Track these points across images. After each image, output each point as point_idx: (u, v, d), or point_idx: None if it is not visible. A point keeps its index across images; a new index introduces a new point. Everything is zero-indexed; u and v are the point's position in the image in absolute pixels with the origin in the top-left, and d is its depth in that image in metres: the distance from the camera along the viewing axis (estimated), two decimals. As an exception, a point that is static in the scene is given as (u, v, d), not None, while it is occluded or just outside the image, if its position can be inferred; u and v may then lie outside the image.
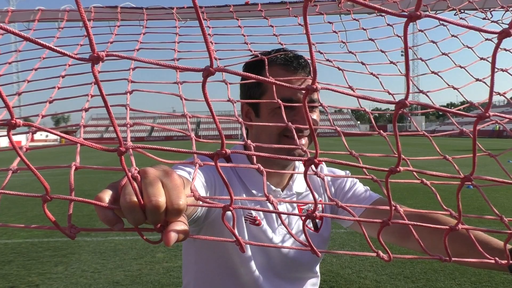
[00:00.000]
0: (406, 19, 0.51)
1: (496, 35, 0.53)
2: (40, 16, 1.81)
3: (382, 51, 1.59)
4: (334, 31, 1.72)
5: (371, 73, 1.47)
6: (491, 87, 0.58)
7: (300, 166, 1.53)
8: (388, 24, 1.78)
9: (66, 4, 1.80)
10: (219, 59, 1.38)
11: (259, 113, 1.39)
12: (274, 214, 1.41)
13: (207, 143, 0.92)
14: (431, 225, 0.73)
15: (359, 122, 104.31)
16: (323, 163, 1.57)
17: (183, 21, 1.77)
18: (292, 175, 1.49)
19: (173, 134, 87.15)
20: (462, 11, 2.01)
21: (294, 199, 1.47)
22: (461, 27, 0.59)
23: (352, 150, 1.04)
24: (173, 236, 0.59)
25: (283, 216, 1.43)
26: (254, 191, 1.39)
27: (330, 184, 1.58)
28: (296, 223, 1.45)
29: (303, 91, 1.24)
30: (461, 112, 0.61)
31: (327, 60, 1.47)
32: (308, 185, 0.66)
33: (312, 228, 1.49)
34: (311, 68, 1.36)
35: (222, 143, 0.57)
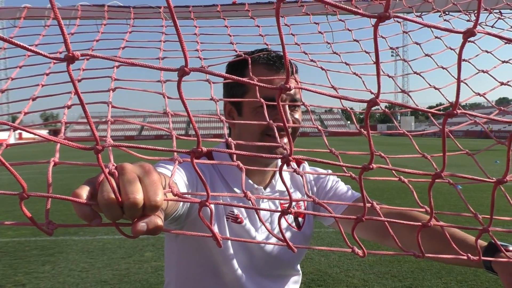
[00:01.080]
0: (377, 19, 0.53)
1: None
2: (26, 13, 1.80)
3: (366, 52, 1.61)
4: (320, 32, 1.74)
5: (354, 73, 1.49)
6: (458, 85, 0.60)
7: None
8: (373, 26, 1.80)
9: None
10: (204, 58, 1.39)
11: (242, 112, 1.41)
12: (255, 213, 1.43)
13: (195, 141, 0.93)
14: (403, 221, 0.75)
15: (349, 122, 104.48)
16: (306, 162, 1.59)
17: (170, 20, 1.78)
18: (274, 173, 1.51)
19: (163, 133, 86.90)
20: (447, 13, 2.04)
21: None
22: (428, 27, 0.61)
23: (332, 148, 1.06)
24: (140, 226, 0.59)
25: (266, 215, 1.44)
26: (236, 189, 1.41)
27: (312, 183, 1.60)
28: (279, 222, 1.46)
29: (287, 90, 1.25)
30: (431, 110, 0.63)
31: (311, 60, 1.49)
32: (282, 181, 0.68)
33: (295, 226, 1.51)
34: (285, 68, 1.38)
35: (198, 141, 0.59)
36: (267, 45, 1.56)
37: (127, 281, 5.24)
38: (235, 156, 0.87)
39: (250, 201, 0.72)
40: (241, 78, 0.58)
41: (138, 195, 0.59)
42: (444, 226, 0.80)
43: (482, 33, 0.57)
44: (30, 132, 0.59)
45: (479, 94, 1.43)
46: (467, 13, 2.04)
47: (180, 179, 1.19)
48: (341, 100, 1.34)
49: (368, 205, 0.84)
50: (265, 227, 0.75)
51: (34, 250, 6.57)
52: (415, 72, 1.69)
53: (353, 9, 0.54)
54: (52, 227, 0.61)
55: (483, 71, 1.54)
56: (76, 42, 1.51)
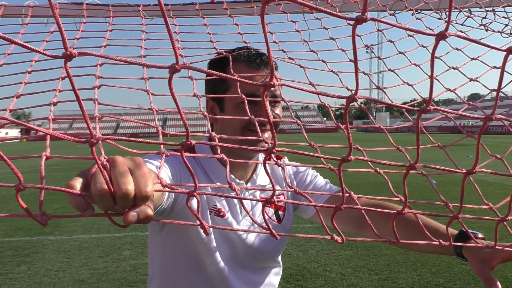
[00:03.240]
0: (354, 22, 0.57)
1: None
2: (3, 11, 1.79)
3: (342, 50, 1.66)
4: (297, 30, 1.78)
5: (331, 71, 1.54)
6: (431, 83, 0.64)
7: (263, 159, 1.59)
8: (349, 24, 1.85)
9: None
10: (185, 56, 1.42)
11: (224, 108, 1.44)
12: (238, 206, 1.46)
13: (173, 139, 0.96)
14: (380, 210, 0.79)
15: (325, 118, 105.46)
16: (285, 157, 1.63)
17: (149, 19, 1.80)
18: (255, 168, 1.55)
19: (139, 131, 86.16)
20: (419, 11, 2.11)
21: (258, 192, 1.53)
22: (404, 29, 0.65)
23: (311, 141, 1.10)
24: (131, 216, 0.63)
25: (248, 208, 1.48)
26: (218, 183, 1.44)
27: (292, 177, 1.64)
28: (260, 215, 1.50)
29: (271, 87, 1.29)
30: (406, 106, 0.67)
31: (290, 58, 1.53)
32: (267, 173, 0.71)
33: (275, 220, 1.55)
34: (270, 66, 1.41)
35: (187, 134, 0.62)
36: (246, 43, 1.59)
37: (105, 280, 5.21)
38: (219, 149, 0.90)
39: (235, 192, 0.75)
40: (226, 75, 0.62)
41: (130, 186, 0.62)
42: (418, 213, 0.85)
43: (453, 35, 0.61)
44: (28, 127, 0.62)
45: (450, 89, 1.50)
46: (438, 12, 2.11)
47: (164, 174, 1.22)
48: (319, 96, 1.39)
49: (346, 194, 0.89)
50: (249, 215, 0.78)
51: (8, 250, 6.47)
52: (389, 69, 1.74)
53: (333, 12, 0.58)
54: (46, 218, 0.63)
55: (453, 68, 1.61)
56: (55, 41, 1.51)
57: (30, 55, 1.44)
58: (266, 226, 0.74)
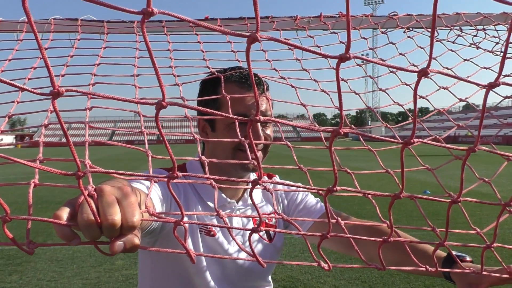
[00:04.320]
0: (338, 60, 0.58)
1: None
2: (-2, 26, 1.80)
3: (334, 68, 1.68)
4: (290, 48, 1.80)
5: (323, 90, 1.55)
6: (414, 119, 0.65)
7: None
8: (341, 42, 1.87)
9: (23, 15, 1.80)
10: (178, 75, 1.43)
11: (215, 128, 1.45)
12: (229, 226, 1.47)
13: (171, 147, 0.97)
14: (366, 238, 0.80)
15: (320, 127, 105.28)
16: (277, 176, 1.64)
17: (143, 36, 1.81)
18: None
19: (134, 138, 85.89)
20: (411, 29, 2.13)
21: (249, 211, 1.53)
22: (386, 66, 0.66)
23: (300, 164, 1.11)
24: (117, 246, 0.64)
25: (238, 226, 1.48)
26: (209, 203, 1.44)
27: (283, 196, 1.65)
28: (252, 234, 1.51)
29: (257, 122, 1.30)
30: (389, 140, 0.69)
31: (282, 77, 1.54)
32: (253, 203, 0.72)
33: (266, 239, 1.55)
34: (261, 89, 1.43)
35: (174, 167, 0.63)
36: (238, 61, 1.60)
37: (98, 290, 5.19)
38: (207, 172, 0.91)
39: (222, 219, 0.76)
40: (213, 96, 0.63)
41: (116, 217, 0.63)
42: (405, 241, 0.86)
43: (434, 72, 0.63)
44: (19, 162, 0.62)
45: (439, 110, 1.51)
46: (430, 30, 2.14)
47: (155, 195, 1.22)
48: (309, 114, 1.40)
49: (333, 221, 0.90)
50: (237, 243, 0.79)
51: (0, 259, 6.42)
52: (380, 89, 1.77)
53: (316, 51, 0.59)
54: (32, 246, 0.64)
55: (443, 88, 1.63)
56: (50, 58, 1.52)
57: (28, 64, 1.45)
58: (256, 249, 0.75)
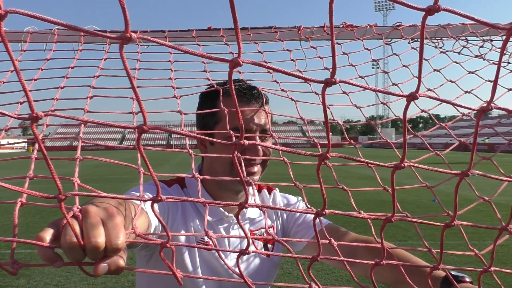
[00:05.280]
0: (323, 84, 0.57)
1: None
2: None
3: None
4: (292, 60, 1.79)
5: (328, 107, 1.54)
6: (404, 145, 0.64)
7: (254, 193, 1.59)
8: (344, 53, 1.86)
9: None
10: (177, 88, 1.42)
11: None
12: (226, 240, 1.46)
13: (179, 153, 0.97)
14: (358, 260, 0.79)
15: (331, 134, 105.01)
16: (277, 189, 1.62)
17: (145, 46, 1.81)
18: (245, 201, 1.53)
19: (144, 143, 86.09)
20: (415, 40, 2.11)
21: (247, 225, 1.52)
22: (374, 91, 0.65)
23: (296, 182, 1.10)
24: (101, 268, 0.63)
25: (236, 241, 1.47)
26: (208, 217, 1.43)
27: (287, 208, 1.63)
28: (250, 248, 1.49)
29: (255, 120, 1.28)
30: (381, 164, 0.67)
31: (282, 90, 1.53)
32: (240, 226, 0.71)
33: (264, 254, 1.54)
34: (259, 103, 1.42)
35: (157, 190, 0.62)
36: (240, 73, 1.60)
37: (104, 296, 5.20)
38: (199, 192, 0.90)
39: (211, 240, 0.75)
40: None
41: (100, 239, 0.62)
42: (400, 264, 0.84)
43: (423, 96, 0.61)
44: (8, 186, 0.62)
45: (441, 124, 1.49)
46: (435, 41, 2.12)
47: (150, 209, 1.22)
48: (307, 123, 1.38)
49: (325, 241, 0.89)
50: (226, 265, 0.78)
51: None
52: (393, 84, 1.76)
53: (301, 75, 0.58)
54: (17, 266, 0.64)
55: (446, 102, 1.60)
56: (52, 69, 1.52)
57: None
58: (253, 264, 0.73)
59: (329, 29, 2.01)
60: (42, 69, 1.52)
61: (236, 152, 1.12)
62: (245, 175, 1.04)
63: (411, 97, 0.59)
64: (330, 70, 0.55)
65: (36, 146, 1.01)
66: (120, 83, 1.42)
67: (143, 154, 0.59)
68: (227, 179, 0.99)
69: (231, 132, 1.18)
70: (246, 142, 0.60)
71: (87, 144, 1.13)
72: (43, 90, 1.39)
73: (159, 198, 0.61)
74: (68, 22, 0.50)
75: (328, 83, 0.56)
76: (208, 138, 0.62)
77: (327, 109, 1.53)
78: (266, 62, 1.76)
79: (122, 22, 0.52)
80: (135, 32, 1.87)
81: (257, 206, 0.70)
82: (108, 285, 5.54)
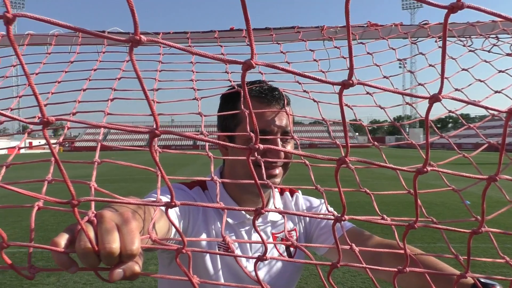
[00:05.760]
0: (340, 86, 0.55)
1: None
2: (29, 40, 1.84)
3: (360, 83, 1.63)
4: (315, 60, 1.76)
5: (346, 104, 1.51)
6: (427, 140, 0.61)
7: (276, 195, 1.57)
8: (368, 53, 1.82)
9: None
10: (198, 89, 1.42)
11: (234, 142, 1.43)
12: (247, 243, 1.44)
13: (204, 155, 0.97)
14: (380, 268, 0.76)
15: (357, 133, 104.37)
16: (299, 191, 1.60)
17: (168, 48, 1.81)
18: (267, 203, 1.52)
19: (171, 143, 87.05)
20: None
21: (269, 228, 1.50)
22: (394, 92, 0.63)
23: (318, 185, 1.08)
24: (116, 274, 0.62)
25: (257, 244, 1.46)
26: (229, 220, 1.42)
27: (305, 212, 1.61)
28: (271, 252, 1.48)
29: (276, 122, 1.26)
30: (401, 169, 0.65)
31: (304, 91, 1.51)
32: (257, 232, 0.69)
33: (286, 256, 1.52)
34: (282, 104, 1.40)
35: (172, 196, 0.61)
36: (261, 73, 1.58)
37: (131, 295, 5.26)
38: (217, 189, 0.89)
39: (230, 244, 0.73)
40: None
41: (114, 245, 0.61)
42: (425, 272, 0.81)
43: (447, 97, 0.59)
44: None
45: (469, 126, 1.45)
46: (463, 39, 2.05)
47: (172, 211, 1.21)
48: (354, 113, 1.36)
49: (346, 247, 0.86)
50: (243, 270, 0.76)
51: (40, 261, 6.60)
52: (419, 84, 1.72)
53: (318, 78, 0.56)
54: (33, 271, 0.63)
55: (474, 103, 1.55)
56: (75, 71, 1.54)
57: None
58: (275, 267, 0.71)
59: (353, 28, 1.99)
60: (66, 72, 1.54)
61: (256, 155, 1.11)
62: (265, 177, 1.02)
63: (434, 99, 0.57)
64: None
65: (57, 148, 1.01)
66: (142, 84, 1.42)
67: (155, 158, 0.58)
68: (245, 182, 0.97)
69: (251, 134, 1.17)
70: (261, 146, 0.58)
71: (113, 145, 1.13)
72: (67, 92, 1.40)
73: (173, 203, 0.60)
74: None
75: (345, 84, 0.54)
76: (221, 142, 0.60)
77: (350, 109, 1.50)
78: (288, 63, 1.74)
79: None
80: (158, 33, 1.88)
81: (275, 211, 0.68)
82: (135, 284, 5.60)
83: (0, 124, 1.26)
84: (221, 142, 0.62)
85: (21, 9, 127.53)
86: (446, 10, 0.55)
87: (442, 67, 0.58)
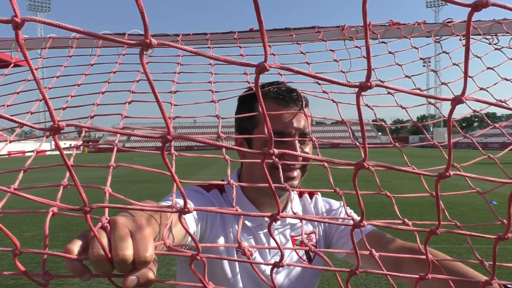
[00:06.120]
0: (358, 89, 0.53)
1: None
2: (51, 43, 1.87)
3: (381, 81, 1.60)
4: (335, 60, 1.74)
5: (366, 105, 1.48)
6: (449, 144, 0.59)
7: (294, 197, 1.55)
8: (390, 52, 1.79)
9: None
10: (216, 91, 1.41)
11: (252, 144, 1.42)
12: (266, 245, 1.43)
13: (227, 153, 0.97)
14: (400, 274, 0.74)
15: (380, 133, 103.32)
16: (319, 193, 1.58)
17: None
18: (285, 206, 1.50)
19: (194, 144, 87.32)
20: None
21: (288, 231, 1.48)
22: (409, 94, 0.60)
23: (336, 188, 1.06)
24: (130, 281, 0.61)
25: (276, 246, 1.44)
26: (247, 222, 1.41)
27: (324, 215, 1.58)
28: (290, 255, 1.46)
29: (294, 124, 1.25)
30: (424, 173, 0.62)
31: (324, 91, 1.49)
32: (273, 238, 0.68)
33: (306, 260, 1.50)
34: (300, 105, 1.38)
35: (185, 202, 0.60)
36: (280, 75, 1.56)
37: (153, 295, 5.29)
38: (234, 193, 0.87)
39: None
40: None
41: (128, 252, 0.60)
42: (448, 279, 0.78)
43: (470, 99, 0.56)
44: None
45: (495, 126, 1.40)
46: (488, 37, 2.00)
47: (189, 215, 1.21)
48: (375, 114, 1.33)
49: (366, 252, 0.84)
50: (260, 276, 0.75)
51: (64, 261, 6.71)
52: (442, 83, 1.69)
53: (334, 80, 0.54)
54: (47, 278, 0.63)
55: (498, 104, 1.51)
56: (93, 74, 1.55)
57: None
58: (294, 271, 0.70)
59: (375, 27, 1.95)
60: (86, 74, 1.55)
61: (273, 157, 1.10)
62: (282, 180, 1.01)
63: (456, 101, 0.54)
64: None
65: (73, 154, 1.01)
66: (160, 87, 1.42)
67: (167, 164, 0.57)
68: (261, 185, 0.96)
69: (268, 135, 1.15)
70: (276, 150, 0.57)
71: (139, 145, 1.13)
72: (87, 95, 1.41)
73: (186, 210, 0.59)
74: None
75: (362, 87, 0.52)
76: (235, 147, 0.59)
77: (371, 110, 1.47)
78: (308, 63, 1.72)
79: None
80: (177, 35, 1.88)
81: (291, 217, 0.67)
82: (159, 284, 5.57)
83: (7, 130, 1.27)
84: (236, 148, 0.61)
85: (47, 12, 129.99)
86: (470, 9, 0.52)
87: (465, 68, 0.55)
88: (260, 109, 1.24)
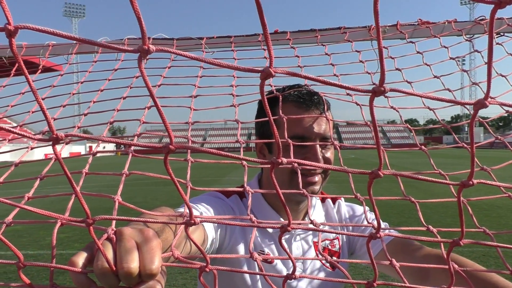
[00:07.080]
0: (371, 94, 0.50)
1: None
2: (77, 49, 1.89)
3: (408, 82, 1.55)
4: (361, 61, 1.69)
5: (392, 107, 1.44)
6: (472, 150, 0.55)
7: (317, 203, 1.52)
8: (418, 52, 1.74)
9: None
10: (237, 95, 1.39)
11: (272, 149, 1.39)
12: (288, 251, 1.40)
13: (253, 154, 0.95)
14: (419, 286, 0.70)
15: (412, 133, 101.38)
16: (342, 198, 1.54)
17: (211, 52, 1.80)
18: (307, 211, 1.47)
19: (224, 145, 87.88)
20: (501, 34, 1.93)
21: (310, 236, 1.45)
22: (422, 97, 0.57)
23: (357, 193, 1.02)
24: None
25: (298, 254, 1.41)
26: (269, 229, 1.39)
27: (348, 221, 1.54)
28: (312, 261, 1.42)
29: (315, 128, 1.22)
30: (443, 178, 0.58)
31: (347, 94, 1.45)
32: (283, 249, 0.65)
33: (329, 267, 1.46)
34: (322, 107, 1.34)
35: (190, 213, 0.58)
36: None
37: (184, 297, 5.32)
38: (250, 201, 0.85)
39: (258, 261, 0.69)
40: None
41: (133, 264, 0.59)
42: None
43: (494, 103, 0.52)
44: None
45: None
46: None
47: (207, 224, 1.19)
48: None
49: (386, 262, 0.81)
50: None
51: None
52: (473, 83, 1.63)
53: (343, 85, 0.51)
54: None
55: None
56: (118, 79, 1.55)
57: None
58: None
59: (403, 27, 1.90)
60: (109, 80, 1.55)
61: (293, 162, 1.07)
62: (301, 186, 0.98)
63: (479, 105, 0.50)
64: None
65: (89, 161, 1.01)
66: (181, 91, 1.41)
67: (171, 174, 0.55)
68: (282, 191, 0.93)
69: (289, 141, 1.13)
70: (285, 160, 0.54)
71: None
72: (109, 100, 1.41)
73: (192, 221, 0.57)
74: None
75: (376, 92, 0.49)
76: (242, 157, 0.57)
77: (396, 111, 1.42)
78: (333, 65, 1.68)
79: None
80: (201, 38, 1.87)
81: (303, 228, 0.64)
82: (188, 286, 5.67)
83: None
84: (241, 157, 0.59)
85: (82, 18, 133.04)
86: (493, 5, 0.49)
87: (489, 70, 0.52)
88: (281, 113, 1.22)
